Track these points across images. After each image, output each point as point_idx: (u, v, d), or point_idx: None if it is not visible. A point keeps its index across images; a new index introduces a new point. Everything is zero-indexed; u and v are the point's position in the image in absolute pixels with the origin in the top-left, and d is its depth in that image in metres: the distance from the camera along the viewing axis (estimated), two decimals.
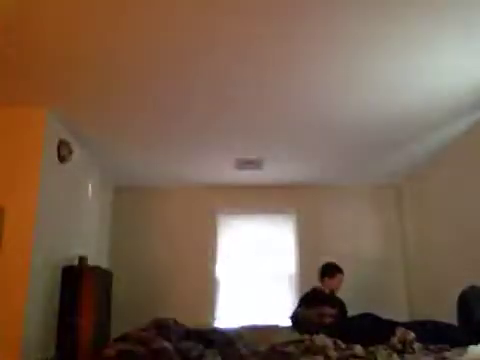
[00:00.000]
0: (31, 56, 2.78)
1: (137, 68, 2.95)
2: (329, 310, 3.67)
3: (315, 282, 4.20)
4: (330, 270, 4.14)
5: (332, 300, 3.98)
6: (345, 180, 5.39)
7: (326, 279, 4.12)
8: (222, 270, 5.27)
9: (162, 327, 2.64)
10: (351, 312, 3.90)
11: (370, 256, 5.29)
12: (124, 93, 3.29)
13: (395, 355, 2.38)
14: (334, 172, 5.13)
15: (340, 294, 4.16)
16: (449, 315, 3.07)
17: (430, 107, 3.52)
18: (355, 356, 2.35)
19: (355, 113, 3.64)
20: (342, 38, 2.64)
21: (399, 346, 2.52)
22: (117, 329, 3.39)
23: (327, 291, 4.08)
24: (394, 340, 2.58)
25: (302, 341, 2.59)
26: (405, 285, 5.23)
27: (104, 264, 4.74)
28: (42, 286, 3.38)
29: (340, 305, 3.98)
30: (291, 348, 2.49)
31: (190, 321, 3.33)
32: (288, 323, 3.95)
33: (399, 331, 2.64)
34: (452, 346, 2.50)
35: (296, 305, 4.13)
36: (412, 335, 2.58)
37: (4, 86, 3.16)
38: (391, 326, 2.77)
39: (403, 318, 3.75)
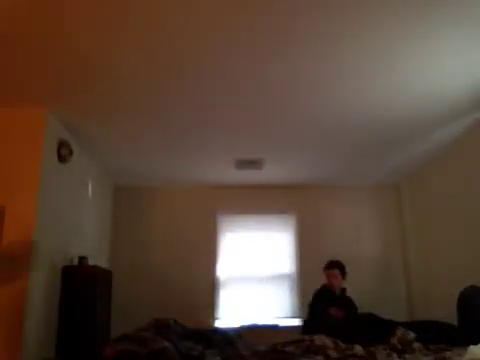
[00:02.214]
0: (32, 57, 2.78)
1: (137, 69, 2.95)
2: (335, 312, 3.64)
3: (315, 282, 4.18)
4: (324, 268, 4.09)
5: (340, 300, 3.91)
6: (345, 180, 5.39)
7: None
8: (222, 270, 5.27)
9: (162, 327, 2.64)
10: None
11: (370, 256, 5.29)
12: (124, 93, 3.29)
13: (395, 355, 2.38)
14: (334, 172, 5.13)
15: None
16: (449, 315, 3.07)
17: (430, 107, 3.52)
18: (355, 356, 2.35)
19: (355, 113, 3.64)
20: (342, 38, 2.64)
21: (399, 346, 2.52)
22: (117, 329, 3.39)
23: (337, 291, 3.99)
24: (394, 340, 2.58)
25: (302, 341, 2.59)
26: (405, 285, 5.24)
27: (104, 264, 4.74)
28: (42, 286, 3.38)
29: (348, 305, 3.90)
30: (291, 348, 2.49)
31: (190, 321, 3.34)
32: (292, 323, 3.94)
33: (399, 331, 2.64)
34: (452, 346, 2.50)
35: (308, 308, 4.06)
36: (412, 335, 2.59)
37: (4, 86, 3.16)
38: (391, 326, 2.77)
39: (403, 318, 3.75)
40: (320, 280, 4.14)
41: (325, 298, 3.93)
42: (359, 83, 3.17)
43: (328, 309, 3.71)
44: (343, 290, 4.05)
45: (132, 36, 2.60)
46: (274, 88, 3.22)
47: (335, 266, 4.04)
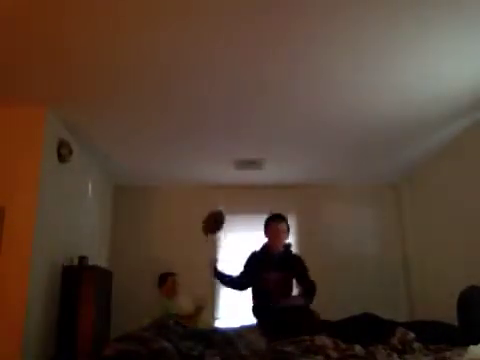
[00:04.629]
0: (32, 56, 2.78)
1: (137, 68, 2.95)
2: (273, 275, 3.33)
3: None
4: (267, 221, 3.43)
5: (279, 261, 3.42)
6: (345, 180, 5.39)
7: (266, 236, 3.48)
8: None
9: (162, 327, 2.64)
10: (351, 312, 3.89)
11: (370, 256, 5.28)
12: (124, 93, 3.29)
13: (395, 355, 2.37)
14: (334, 172, 5.13)
15: (338, 290, 4.08)
16: (449, 315, 3.07)
17: (429, 107, 3.52)
18: (355, 356, 2.35)
19: (355, 113, 3.64)
20: (342, 39, 2.64)
21: (399, 346, 2.52)
22: (117, 329, 3.40)
23: (275, 250, 3.43)
24: (394, 340, 2.57)
25: (302, 341, 2.59)
26: (405, 285, 5.23)
27: (104, 264, 4.74)
28: (42, 286, 3.38)
29: (289, 264, 3.42)
30: (291, 348, 2.48)
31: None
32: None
33: (399, 331, 2.63)
34: (452, 346, 2.49)
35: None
36: (412, 335, 2.58)
37: (4, 86, 3.16)
38: (391, 326, 2.77)
39: (403, 318, 3.74)
40: (320, 279, 4.13)
41: (262, 260, 3.47)
42: (359, 83, 3.17)
43: (263, 273, 3.40)
44: (287, 247, 3.48)
45: (132, 36, 2.60)
46: (274, 88, 3.22)
47: (283, 219, 3.41)
